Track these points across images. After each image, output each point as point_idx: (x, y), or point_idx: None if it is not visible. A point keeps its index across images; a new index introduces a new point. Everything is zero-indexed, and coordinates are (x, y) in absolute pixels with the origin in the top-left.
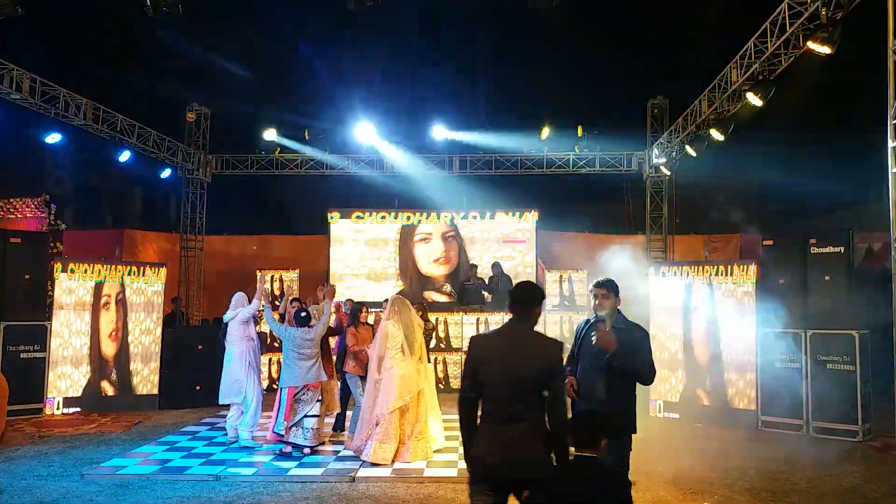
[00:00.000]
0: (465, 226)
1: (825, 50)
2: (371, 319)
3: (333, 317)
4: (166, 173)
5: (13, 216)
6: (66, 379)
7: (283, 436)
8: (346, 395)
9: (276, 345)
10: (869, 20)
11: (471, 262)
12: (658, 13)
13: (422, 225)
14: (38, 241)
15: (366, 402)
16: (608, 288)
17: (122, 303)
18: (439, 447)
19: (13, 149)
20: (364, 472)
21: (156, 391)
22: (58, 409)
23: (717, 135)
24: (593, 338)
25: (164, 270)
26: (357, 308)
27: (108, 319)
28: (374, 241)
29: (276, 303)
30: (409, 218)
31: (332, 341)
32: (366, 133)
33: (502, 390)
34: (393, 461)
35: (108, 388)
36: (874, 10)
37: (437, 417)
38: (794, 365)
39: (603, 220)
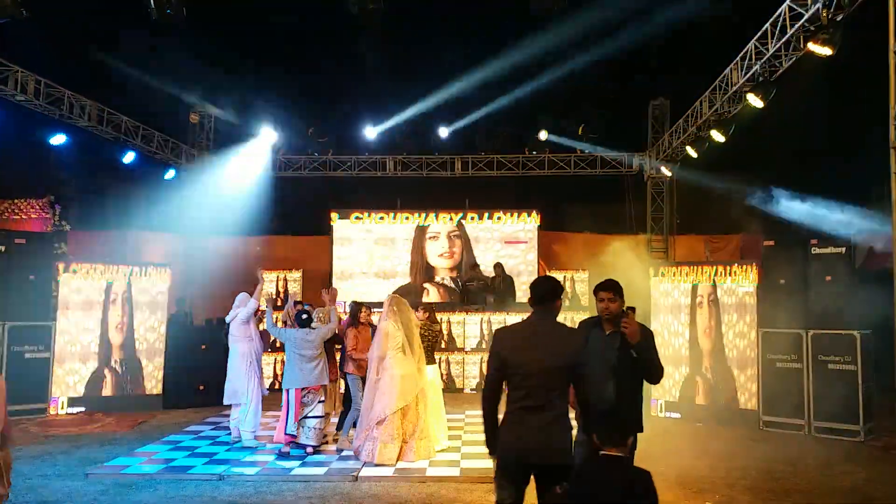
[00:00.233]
0: (466, 226)
1: (826, 51)
2: (376, 319)
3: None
4: (170, 174)
5: (18, 217)
6: (75, 374)
7: (295, 436)
8: (349, 396)
9: (278, 344)
10: (870, 21)
11: (472, 263)
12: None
13: (432, 225)
14: (42, 241)
15: (364, 402)
16: (614, 291)
17: (127, 301)
18: (442, 447)
19: (18, 150)
20: (367, 472)
21: (160, 391)
22: (62, 408)
23: (717, 136)
24: (608, 336)
25: (168, 271)
26: (356, 308)
27: (115, 313)
28: (382, 241)
29: (279, 303)
30: (407, 218)
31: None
32: (369, 134)
33: (528, 381)
34: (397, 461)
35: (112, 387)
36: (875, 12)
37: (441, 417)
38: (795, 365)
39: (604, 221)
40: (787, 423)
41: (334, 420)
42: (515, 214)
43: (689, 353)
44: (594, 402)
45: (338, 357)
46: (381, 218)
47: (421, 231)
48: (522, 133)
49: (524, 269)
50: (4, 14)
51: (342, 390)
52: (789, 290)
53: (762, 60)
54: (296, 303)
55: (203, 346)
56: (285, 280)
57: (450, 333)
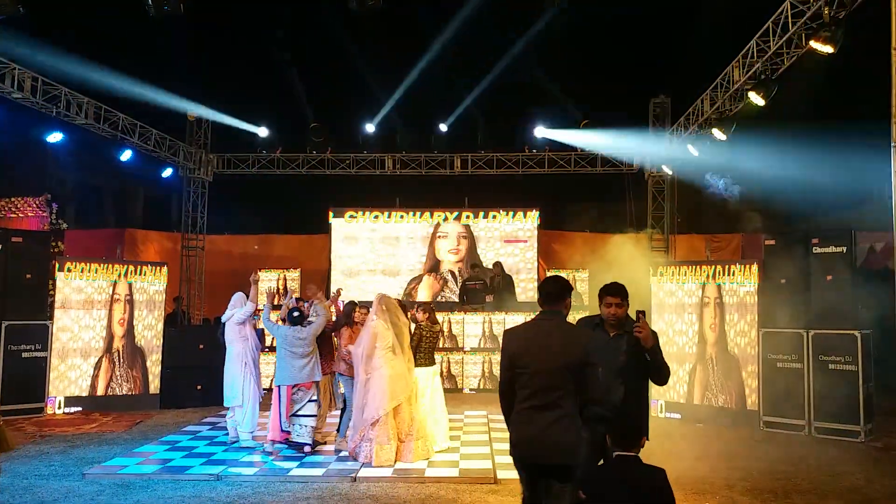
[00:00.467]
0: (466, 226)
1: (828, 49)
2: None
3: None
4: (167, 172)
5: (15, 215)
6: (76, 370)
7: (290, 433)
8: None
9: (274, 344)
10: (872, 19)
11: (472, 263)
12: (661, 12)
13: (443, 225)
14: (39, 240)
15: (356, 402)
16: (622, 296)
17: (125, 299)
18: (442, 447)
19: (15, 148)
20: (365, 473)
21: (157, 390)
22: (59, 408)
23: (718, 134)
24: (612, 339)
25: (165, 270)
26: (350, 308)
27: (118, 309)
28: (387, 239)
29: (276, 301)
30: (402, 217)
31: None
32: (367, 132)
33: (533, 380)
34: (395, 461)
35: (110, 387)
36: (877, 10)
37: (443, 417)
38: (796, 365)
39: (604, 220)
40: (787, 423)
41: (331, 420)
42: (514, 213)
43: (694, 353)
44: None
45: (336, 355)
46: (376, 217)
47: (435, 229)
48: (522, 131)
49: (523, 266)
50: (2, 11)
51: (341, 390)
52: (790, 289)
53: (764, 58)
54: (297, 299)
55: (200, 346)
56: (284, 279)
57: (450, 332)
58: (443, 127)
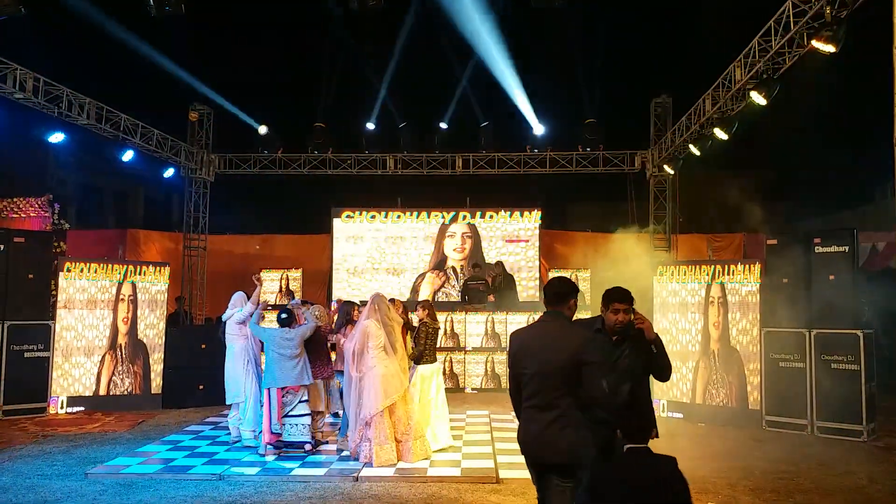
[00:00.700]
0: (467, 225)
1: (830, 49)
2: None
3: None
4: (169, 173)
5: (17, 216)
6: (80, 367)
7: (280, 434)
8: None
9: None
10: (874, 18)
11: (474, 263)
12: (662, 12)
13: (451, 225)
14: (41, 240)
15: (351, 401)
16: (630, 302)
17: (129, 299)
18: (443, 446)
19: (17, 148)
20: (367, 472)
21: (159, 390)
22: (62, 408)
23: (720, 133)
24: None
25: (167, 270)
26: (348, 308)
27: (122, 308)
28: (391, 239)
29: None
30: (399, 217)
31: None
32: (369, 131)
33: (534, 380)
34: (396, 461)
35: (112, 386)
36: (879, 9)
37: (444, 417)
38: (798, 364)
39: (606, 219)
40: (789, 422)
41: (328, 420)
42: (516, 212)
43: (698, 350)
44: (603, 405)
45: (333, 356)
46: (372, 217)
47: (442, 228)
48: (524, 130)
49: (525, 266)
50: (3, 12)
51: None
52: (792, 289)
53: (766, 58)
54: (303, 302)
55: (202, 346)
56: (287, 279)
57: (452, 331)
58: (443, 125)
